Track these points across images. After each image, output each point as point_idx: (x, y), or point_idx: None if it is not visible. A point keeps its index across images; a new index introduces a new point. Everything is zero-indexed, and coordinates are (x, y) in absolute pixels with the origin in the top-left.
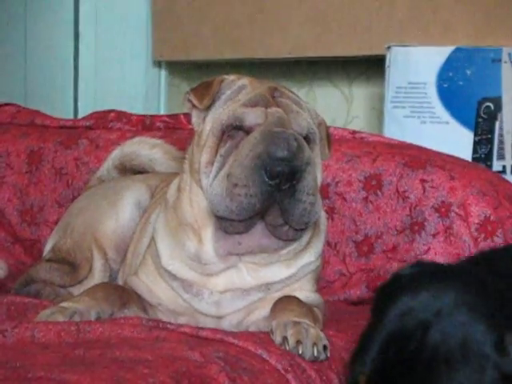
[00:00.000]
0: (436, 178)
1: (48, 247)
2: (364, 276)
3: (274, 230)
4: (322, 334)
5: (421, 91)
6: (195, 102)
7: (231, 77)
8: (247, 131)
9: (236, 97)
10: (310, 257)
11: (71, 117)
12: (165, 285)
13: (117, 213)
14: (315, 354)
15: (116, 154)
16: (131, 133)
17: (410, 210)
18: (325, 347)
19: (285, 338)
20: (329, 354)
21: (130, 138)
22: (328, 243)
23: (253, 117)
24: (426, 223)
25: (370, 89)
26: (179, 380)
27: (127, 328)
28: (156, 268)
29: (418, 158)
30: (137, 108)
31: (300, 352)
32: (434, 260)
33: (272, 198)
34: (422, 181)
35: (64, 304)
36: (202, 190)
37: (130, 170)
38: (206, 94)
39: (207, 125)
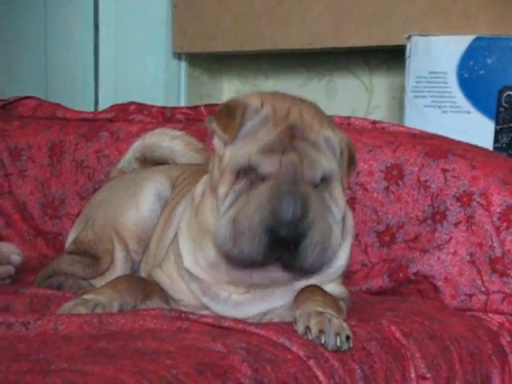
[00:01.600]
0: (457, 167)
1: (70, 240)
2: (386, 266)
3: (286, 267)
4: (345, 325)
5: (441, 80)
6: (221, 134)
7: (254, 103)
8: (262, 176)
9: (256, 133)
10: (339, 261)
11: (92, 109)
12: (184, 284)
13: (137, 204)
14: (338, 343)
15: (137, 146)
16: (152, 125)
17: (432, 200)
18: (348, 337)
19: (307, 328)
20: (351, 345)
21: (151, 130)
22: None
23: (267, 166)
24: (447, 213)
25: (390, 79)
26: (202, 371)
27: (149, 319)
28: (178, 267)
29: (439, 147)
30: (157, 100)
31: (323, 341)
32: (456, 249)
33: (276, 253)
34: (444, 170)
35: (86, 296)
36: (218, 213)
37: (151, 162)
38: (230, 126)
39: (226, 155)
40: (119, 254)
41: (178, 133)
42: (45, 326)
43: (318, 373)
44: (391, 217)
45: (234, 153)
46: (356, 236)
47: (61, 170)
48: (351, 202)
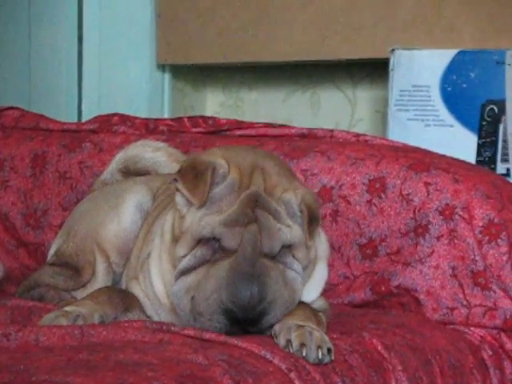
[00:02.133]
0: (440, 180)
1: (52, 251)
2: (368, 279)
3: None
4: (326, 337)
5: (425, 94)
6: (188, 197)
7: (221, 167)
8: (223, 248)
9: (221, 202)
10: (312, 294)
11: (75, 120)
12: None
13: (118, 216)
14: (320, 356)
15: (120, 157)
16: (135, 136)
17: (414, 213)
18: (329, 350)
19: (289, 341)
20: (333, 357)
21: (134, 142)
22: (332, 246)
23: (230, 239)
24: (429, 226)
25: (373, 92)
26: (183, 382)
27: (131, 331)
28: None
29: (421, 160)
30: (141, 111)
31: (304, 354)
32: (438, 263)
33: (237, 329)
34: (426, 184)
35: (67, 308)
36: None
37: (134, 173)
38: (199, 189)
39: (188, 218)
40: (100, 266)
41: (161, 144)
42: (26, 338)
43: None
44: (374, 230)
45: (197, 220)
46: (338, 249)
47: (43, 181)
48: (333, 215)
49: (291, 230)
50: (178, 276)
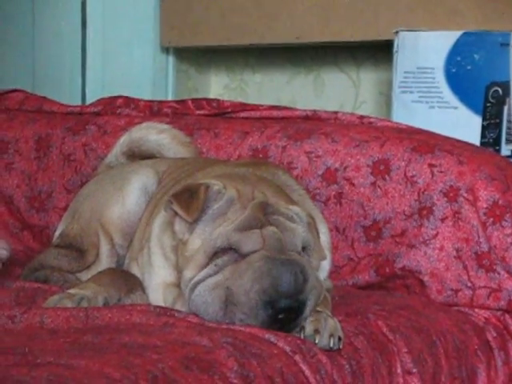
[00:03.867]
0: (444, 162)
1: (57, 233)
2: (372, 261)
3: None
4: (338, 326)
5: (429, 76)
6: (182, 214)
7: (216, 185)
8: (244, 255)
9: (225, 214)
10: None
11: (79, 103)
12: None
13: (123, 197)
14: (331, 345)
15: (124, 140)
16: (139, 119)
17: (419, 195)
18: (339, 339)
19: (301, 325)
20: (342, 346)
21: (138, 124)
22: (336, 228)
23: (250, 243)
24: (434, 208)
25: (377, 74)
26: (188, 365)
27: (136, 314)
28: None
29: (426, 142)
30: (145, 94)
31: (316, 341)
32: (443, 244)
33: (275, 326)
34: (431, 165)
35: (71, 290)
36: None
37: (139, 156)
38: (192, 206)
39: (195, 240)
40: (104, 248)
41: (165, 126)
42: (31, 320)
43: (304, 367)
44: (378, 212)
45: (206, 236)
46: (343, 231)
47: (48, 164)
48: (338, 197)
49: (307, 232)
50: (195, 285)
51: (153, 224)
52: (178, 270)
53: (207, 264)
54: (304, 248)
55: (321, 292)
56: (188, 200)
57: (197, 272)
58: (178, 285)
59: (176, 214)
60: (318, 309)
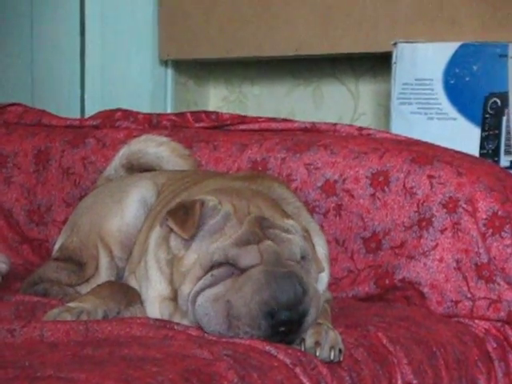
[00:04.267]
0: (443, 173)
1: (56, 246)
2: (372, 272)
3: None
4: (339, 338)
5: (427, 87)
6: (177, 231)
7: (211, 201)
8: (241, 269)
9: (222, 230)
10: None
11: (78, 116)
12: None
13: (122, 210)
14: (331, 357)
15: (123, 153)
16: (138, 131)
17: (418, 206)
18: (340, 351)
19: (302, 338)
20: (342, 358)
21: (137, 137)
22: (336, 240)
23: (248, 258)
24: (433, 219)
25: (376, 85)
26: (188, 378)
27: (135, 327)
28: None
29: (425, 154)
30: (143, 107)
31: (317, 354)
32: (442, 256)
33: (276, 338)
34: (430, 177)
35: (71, 304)
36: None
37: (138, 169)
38: (187, 223)
39: (191, 255)
40: (104, 261)
41: (164, 139)
42: (31, 333)
43: (305, 380)
44: (377, 223)
45: (203, 251)
46: (342, 243)
47: (47, 177)
48: (337, 209)
49: (304, 241)
50: (195, 297)
51: (150, 237)
52: (173, 284)
53: (201, 278)
54: (303, 258)
55: (319, 303)
56: (183, 217)
57: (193, 285)
58: (173, 299)
59: (172, 230)
60: (319, 321)
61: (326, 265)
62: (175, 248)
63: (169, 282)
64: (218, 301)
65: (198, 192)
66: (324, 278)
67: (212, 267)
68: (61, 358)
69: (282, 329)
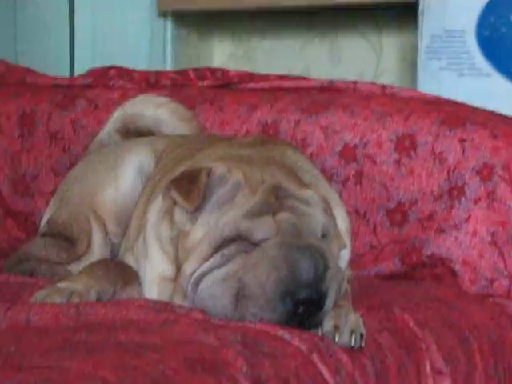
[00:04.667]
0: (477, 136)
1: (44, 221)
2: (397, 248)
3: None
4: (360, 321)
5: (459, 40)
6: (181, 202)
7: (219, 169)
8: (255, 244)
9: (232, 200)
10: None
11: (67, 75)
12: None
13: (116, 179)
14: (352, 343)
15: (118, 116)
16: (134, 91)
17: (448, 174)
18: (361, 336)
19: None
20: (364, 344)
21: (133, 97)
22: (356, 212)
23: (262, 231)
24: (465, 188)
25: (401, 38)
26: (192, 366)
27: (133, 310)
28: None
29: (456, 114)
30: (140, 64)
31: (336, 339)
32: (476, 229)
33: (294, 321)
34: (461, 140)
35: (60, 284)
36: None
37: (134, 133)
38: (192, 192)
39: (198, 229)
40: (97, 236)
41: (163, 99)
42: (16, 317)
43: (322, 368)
44: (403, 193)
45: (212, 224)
46: (363, 214)
47: (33, 143)
48: (358, 177)
49: (326, 217)
50: (199, 279)
51: (149, 211)
52: (177, 264)
53: (212, 255)
54: (323, 236)
55: (342, 283)
56: (188, 186)
57: (199, 265)
58: (175, 280)
59: (175, 202)
60: (339, 302)
61: (347, 240)
62: (180, 222)
63: (172, 262)
64: (227, 280)
65: (204, 160)
66: (345, 255)
67: (222, 244)
68: (50, 345)
69: (301, 310)
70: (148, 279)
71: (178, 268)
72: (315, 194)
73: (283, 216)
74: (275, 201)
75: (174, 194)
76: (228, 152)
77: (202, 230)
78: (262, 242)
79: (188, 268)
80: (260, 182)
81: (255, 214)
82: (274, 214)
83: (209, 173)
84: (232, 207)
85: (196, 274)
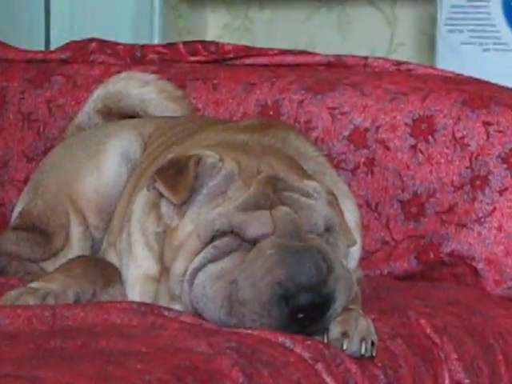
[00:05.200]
0: (503, 119)
1: (15, 213)
2: (413, 244)
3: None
4: (372, 327)
5: (483, 11)
6: (167, 194)
7: (210, 158)
8: (249, 240)
9: (225, 193)
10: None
11: (42, 48)
12: None
13: (98, 167)
14: (362, 351)
15: (99, 95)
16: (117, 67)
17: (471, 161)
18: (373, 343)
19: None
20: (375, 352)
21: (116, 74)
22: (367, 204)
23: (256, 226)
24: (490, 177)
25: (418, 9)
26: (181, 376)
27: (115, 313)
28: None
29: (479, 94)
30: (124, 36)
31: (345, 347)
32: (502, 223)
33: (293, 328)
34: (485, 123)
35: (34, 284)
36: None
37: (117, 115)
38: (179, 184)
39: (187, 225)
40: (76, 230)
41: (150, 77)
42: None
43: (328, 379)
44: (419, 182)
45: (201, 218)
46: (375, 207)
47: (3, 125)
48: (369, 164)
49: (329, 208)
50: (194, 275)
51: (135, 203)
52: (162, 263)
53: (202, 250)
54: (327, 229)
55: (351, 285)
56: (175, 177)
57: (189, 261)
58: (159, 279)
59: (162, 194)
60: (350, 306)
61: (357, 236)
62: (167, 216)
63: (157, 260)
64: (220, 279)
65: (194, 146)
66: (355, 253)
67: (213, 238)
68: (21, 352)
69: (301, 316)
70: (131, 278)
71: (163, 267)
72: (319, 185)
73: (281, 210)
74: (272, 194)
75: (159, 186)
76: (222, 137)
77: (191, 226)
78: (256, 239)
79: (177, 267)
80: (255, 173)
81: (250, 207)
82: (270, 209)
83: (198, 161)
84: (224, 200)
85: (189, 271)
